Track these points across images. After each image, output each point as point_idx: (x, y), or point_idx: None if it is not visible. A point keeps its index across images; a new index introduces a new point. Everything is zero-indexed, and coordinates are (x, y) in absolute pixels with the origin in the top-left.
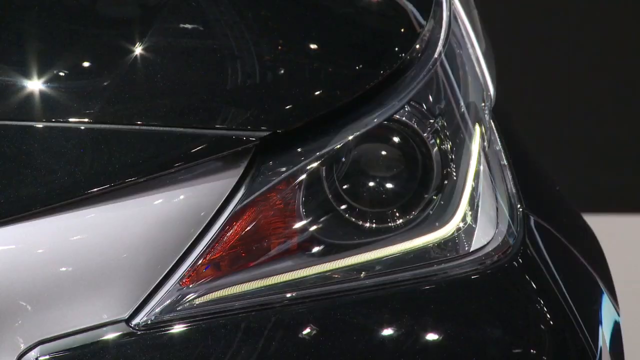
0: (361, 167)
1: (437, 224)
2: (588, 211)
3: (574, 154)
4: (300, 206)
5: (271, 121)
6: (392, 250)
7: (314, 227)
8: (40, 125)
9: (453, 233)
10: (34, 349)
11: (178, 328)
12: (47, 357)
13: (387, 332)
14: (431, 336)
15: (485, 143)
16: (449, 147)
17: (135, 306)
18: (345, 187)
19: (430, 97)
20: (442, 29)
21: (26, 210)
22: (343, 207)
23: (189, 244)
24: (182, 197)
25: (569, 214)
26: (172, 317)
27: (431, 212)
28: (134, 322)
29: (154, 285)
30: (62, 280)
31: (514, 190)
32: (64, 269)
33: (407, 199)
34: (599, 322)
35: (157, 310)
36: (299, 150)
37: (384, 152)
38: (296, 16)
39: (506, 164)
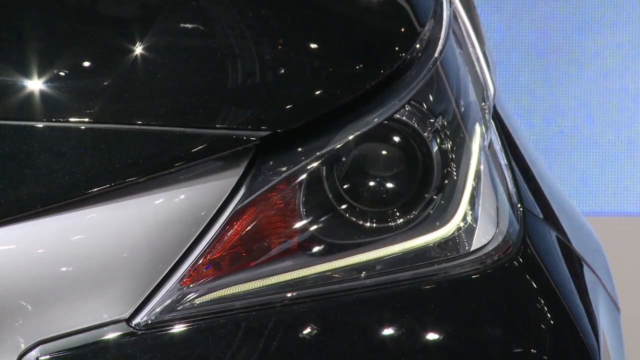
0: (361, 167)
1: (437, 223)
2: (588, 211)
3: (574, 152)
4: (301, 206)
5: (271, 121)
6: (392, 250)
7: (314, 227)
8: (40, 124)
9: (453, 232)
10: (34, 348)
11: (178, 328)
12: (48, 357)
13: (388, 331)
14: (432, 336)
15: (486, 142)
16: (449, 146)
17: (136, 306)
18: (345, 186)
19: (430, 97)
20: (443, 28)
21: (26, 210)
22: (343, 206)
23: (190, 243)
24: (182, 196)
25: (570, 214)
26: (173, 317)
27: (431, 212)
28: (135, 321)
29: (154, 285)
30: (63, 280)
31: (514, 190)
32: (64, 268)
33: (408, 199)
34: (599, 321)
35: (158, 310)
36: (299, 149)
37: (384, 152)
38: (296, 15)
39: (506, 163)
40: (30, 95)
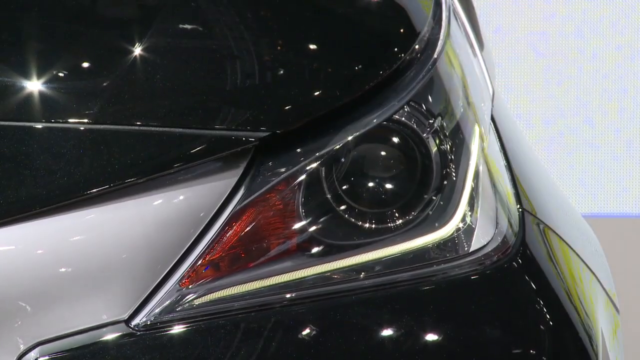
0: (361, 168)
1: (436, 224)
2: (588, 211)
3: (573, 153)
4: (300, 207)
5: (270, 121)
6: (391, 251)
7: (313, 228)
8: (39, 125)
9: (452, 233)
10: (33, 349)
11: (177, 329)
12: (47, 357)
13: (387, 332)
14: (431, 336)
15: (485, 143)
16: (448, 147)
17: (135, 307)
18: (344, 187)
19: (429, 98)
20: (442, 29)
21: (26, 210)
22: (342, 207)
23: (189, 244)
24: (181, 197)
25: (569, 214)
26: (172, 318)
27: (431, 213)
28: (134, 322)
29: (153, 286)
30: (62, 281)
31: (513, 191)
32: (63, 269)
33: (407, 200)
34: (598, 322)
35: (157, 310)
36: (298, 150)
37: (383, 153)
38: (295, 16)
39: (506, 164)
40: (30, 95)
